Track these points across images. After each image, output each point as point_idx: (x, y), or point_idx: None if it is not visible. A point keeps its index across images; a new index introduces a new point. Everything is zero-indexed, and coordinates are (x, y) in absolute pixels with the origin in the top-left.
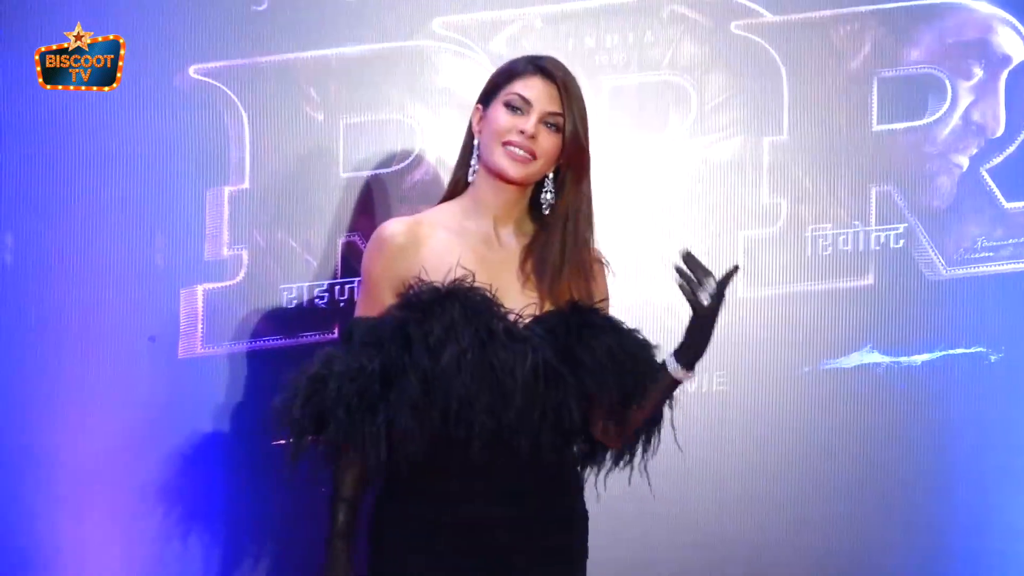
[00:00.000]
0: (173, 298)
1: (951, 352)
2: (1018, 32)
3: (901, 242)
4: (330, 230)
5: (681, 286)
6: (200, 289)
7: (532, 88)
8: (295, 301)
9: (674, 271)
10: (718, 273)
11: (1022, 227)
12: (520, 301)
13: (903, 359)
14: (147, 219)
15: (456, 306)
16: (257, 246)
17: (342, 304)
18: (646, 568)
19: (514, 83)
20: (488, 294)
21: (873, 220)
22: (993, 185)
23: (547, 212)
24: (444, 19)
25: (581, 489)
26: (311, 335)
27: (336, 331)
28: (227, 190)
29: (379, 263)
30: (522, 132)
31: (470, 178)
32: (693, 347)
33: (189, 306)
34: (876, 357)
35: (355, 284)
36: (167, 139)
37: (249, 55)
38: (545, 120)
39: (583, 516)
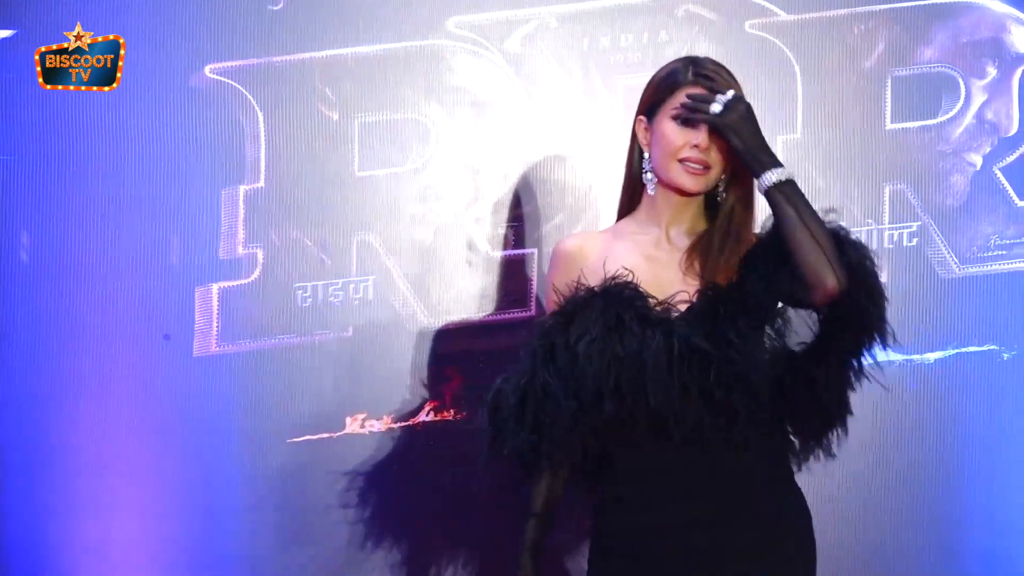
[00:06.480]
0: (188, 296)
1: (964, 350)
2: None
3: (914, 240)
4: (345, 229)
5: (685, 105)
6: (215, 287)
7: None
8: (310, 299)
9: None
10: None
11: None
12: (679, 291)
13: (916, 357)
14: (163, 218)
15: (599, 301)
16: (272, 245)
17: (356, 302)
18: None
19: (678, 95)
20: (633, 285)
21: (886, 218)
22: (1006, 183)
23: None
24: (459, 18)
25: (787, 486)
26: (326, 333)
27: (350, 330)
28: (242, 189)
29: (553, 274)
30: (696, 147)
31: (650, 191)
32: (747, 154)
33: (204, 304)
34: (889, 355)
35: (369, 282)
36: (183, 138)
37: (265, 54)
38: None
39: (794, 514)
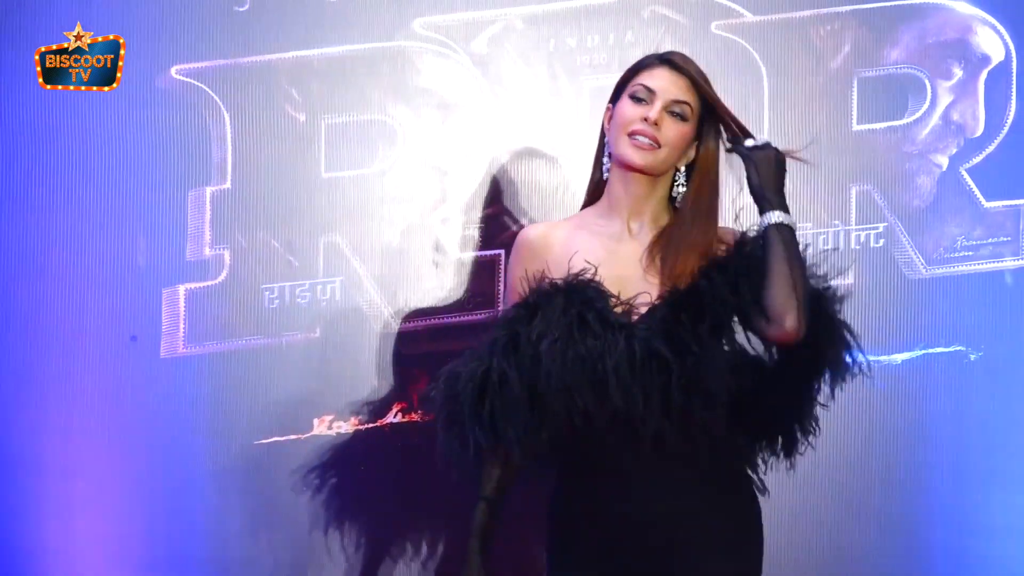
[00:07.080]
0: (155, 298)
1: (931, 351)
2: (997, 32)
3: (881, 241)
4: (312, 230)
5: (725, 125)
6: (182, 289)
7: (657, 78)
8: (277, 301)
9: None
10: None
11: (1001, 226)
12: (640, 291)
13: (883, 358)
14: (129, 219)
15: (561, 300)
16: (239, 246)
17: (324, 303)
18: None
19: (639, 75)
20: (596, 284)
21: (853, 219)
22: (972, 184)
23: (679, 204)
24: (425, 19)
25: (744, 484)
26: (293, 335)
27: (318, 331)
28: (209, 190)
29: (515, 265)
30: (646, 119)
31: (605, 175)
32: (759, 189)
33: (171, 306)
34: (856, 355)
35: (336, 283)
36: (149, 140)
37: (231, 55)
38: (670, 109)
39: (747, 512)
